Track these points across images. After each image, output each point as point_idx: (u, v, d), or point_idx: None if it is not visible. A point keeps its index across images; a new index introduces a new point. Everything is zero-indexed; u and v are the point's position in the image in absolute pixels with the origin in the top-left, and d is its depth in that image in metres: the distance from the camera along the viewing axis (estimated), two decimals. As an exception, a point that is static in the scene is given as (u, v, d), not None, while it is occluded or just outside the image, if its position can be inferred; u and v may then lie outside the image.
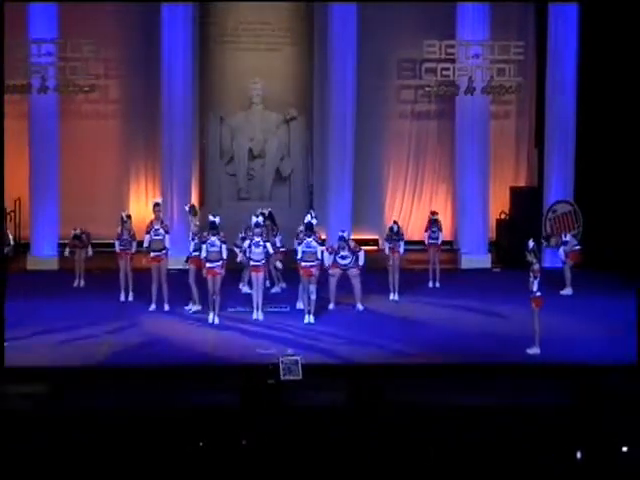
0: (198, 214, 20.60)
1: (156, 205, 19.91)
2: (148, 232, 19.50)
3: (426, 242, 21.37)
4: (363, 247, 23.12)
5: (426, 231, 21.42)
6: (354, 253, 19.15)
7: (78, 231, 21.12)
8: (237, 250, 19.85)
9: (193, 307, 19.37)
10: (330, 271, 19.19)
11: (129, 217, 20.31)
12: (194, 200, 23.27)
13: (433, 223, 21.27)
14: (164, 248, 19.43)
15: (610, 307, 19.20)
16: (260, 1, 24.15)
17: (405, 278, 20.52)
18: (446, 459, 10.19)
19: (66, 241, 21.54)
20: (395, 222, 20.84)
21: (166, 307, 19.41)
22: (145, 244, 19.53)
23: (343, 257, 19.13)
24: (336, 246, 19.18)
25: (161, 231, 19.48)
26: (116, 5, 23.74)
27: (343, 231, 19.56)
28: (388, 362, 16.48)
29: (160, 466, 10.21)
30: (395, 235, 20.32)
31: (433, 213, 21.61)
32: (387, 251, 20.38)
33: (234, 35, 24.79)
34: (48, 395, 14.49)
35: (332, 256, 19.07)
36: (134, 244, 20.04)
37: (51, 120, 22.96)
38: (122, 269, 20.05)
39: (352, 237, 23.06)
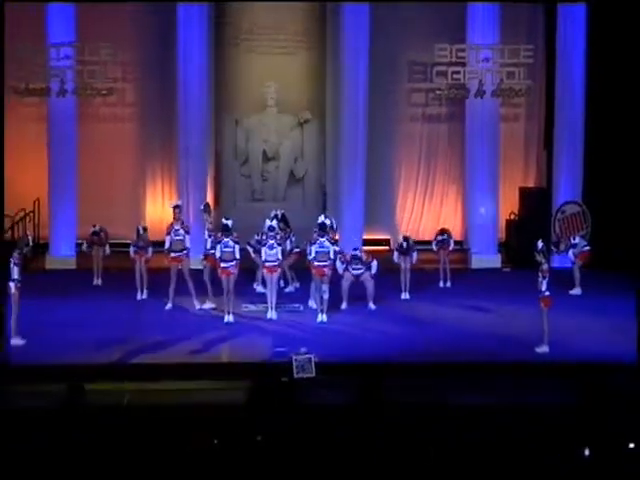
0: (212, 212, 20.68)
1: (176, 207, 19.87)
2: (169, 233, 19.47)
3: (434, 248, 21.31)
4: (375, 246, 23.33)
5: (434, 239, 21.39)
6: (367, 265, 19.13)
7: (97, 228, 21.17)
8: (250, 249, 19.86)
9: (207, 304, 19.37)
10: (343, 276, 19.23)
11: (145, 230, 20.34)
12: (209, 201, 23.29)
13: (440, 240, 21.25)
14: (185, 249, 19.39)
15: (619, 307, 19.07)
16: (274, 1, 24.08)
17: (416, 278, 20.47)
18: (454, 458, 10.15)
19: (82, 241, 21.59)
20: (405, 238, 20.64)
21: (197, 305, 19.37)
22: (166, 245, 19.49)
23: (355, 269, 19.13)
24: (349, 258, 19.12)
25: (181, 232, 19.44)
26: (133, 9, 23.79)
27: (356, 249, 19.45)
28: (399, 361, 16.45)
29: (174, 463, 10.21)
30: (406, 250, 20.21)
31: (442, 232, 21.46)
32: (397, 260, 20.28)
33: (249, 39, 24.81)
34: (65, 394, 14.48)
35: (344, 265, 19.05)
36: (149, 249, 20.08)
37: (69, 123, 23.02)
38: (137, 270, 20.10)
39: (364, 236, 23.27)
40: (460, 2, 23.21)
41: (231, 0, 24.46)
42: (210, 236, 19.40)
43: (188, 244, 19.43)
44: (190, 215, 22.70)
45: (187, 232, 19.51)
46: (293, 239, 20.24)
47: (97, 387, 15.00)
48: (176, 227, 19.43)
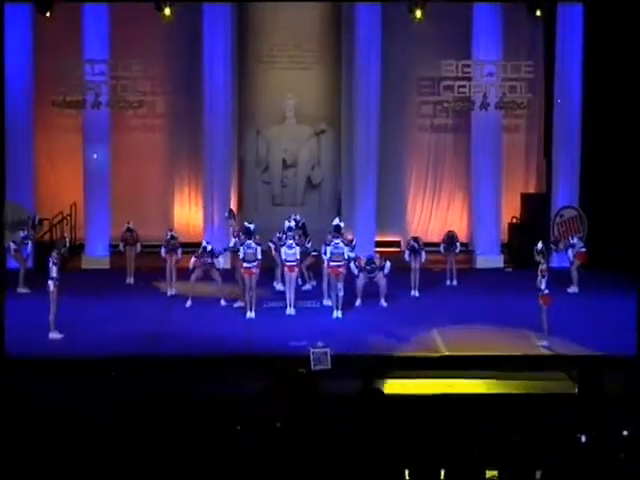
0: (236, 217, 20.73)
1: (204, 249, 19.47)
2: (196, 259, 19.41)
3: (442, 251, 21.28)
4: (387, 247, 23.32)
5: (443, 242, 21.37)
6: (380, 267, 19.11)
7: (131, 225, 21.20)
8: (272, 246, 19.93)
9: (237, 303, 19.31)
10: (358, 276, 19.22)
11: (173, 237, 20.35)
12: (233, 205, 23.40)
13: (448, 245, 21.24)
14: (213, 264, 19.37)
15: (614, 304, 19.08)
16: (294, 1, 23.92)
17: (425, 277, 20.46)
18: (458, 445, 10.12)
19: (117, 242, 21.64)
20: (415, 238, 20.67)
21: (222, 302, 19.36)
22: (190, 266, 19.38)
23: (370, 272, 19.11)
24: (364, 264, 19.07)
25: (208, 260, 19.36)
26: (162, 28, 23.73)
27: (371, 259, 19.34)
28: (408, 354, 16.44)
29: (200, 447, 10.20)
30: (416, 249, 20.18)
31: (450, 237, 21.39)
32: (407, 258, 20.27)
33: (269, 55, 24.84)
34: (96, 384, 14.50)
35: (359, 269, 19.03)
36: (179, 250, 20.14)
37: (104, 133, 23.09)
38: (168, 269, 20.16)
39: (376, 238, 23.27)
40: (467, 2, 23.09)
41: (254, 0, 24.20)
42: (236, 237, 19.47)
43: (216, 265, 19.40)
44: (215, 218, 22.81)
45: (216, 257, 19.47)
46: (309, 245, 20.19)
47: (125, 377, 15.14)
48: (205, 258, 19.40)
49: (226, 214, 20.76)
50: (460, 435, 10.10)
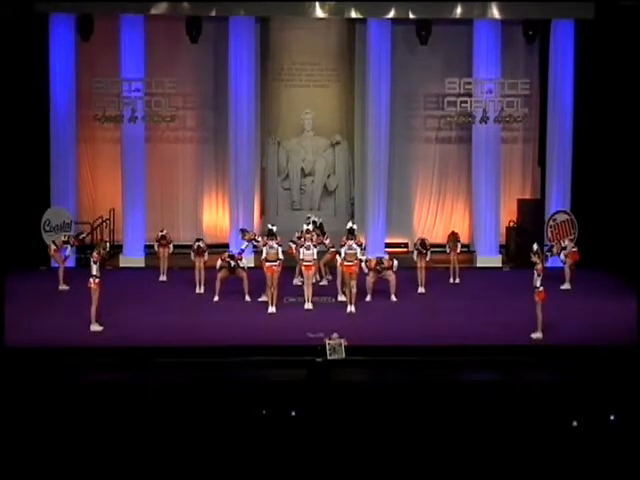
0: (250, 231, 20.70)
1: (224, 261, 19.63)
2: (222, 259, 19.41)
3: (448, 250, 21.35)
4: (395, 248, 23.34)
5: (447, 243, 21.41)
6: (389, 267, 19.13)
7: (164, 232, 21.26)
8: (292, 245, 19.98)
9: (264, 297, 19.38)
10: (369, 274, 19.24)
11: (200, 247, 20.23)
12: (256, 210, 23.52)
13: (453, 239, 21.28)
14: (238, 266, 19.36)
15: (602, 299, 19.07)
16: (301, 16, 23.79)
17: (430, 275, 20.46)
18: (463, 426, 10.15)
19: (151, 243, 21.73)
20: (422, 240, 20.69)
21: (247, 298, 19.36)
22: (217, 266, 19.40)
23: (379, 272, 19.13)
24: (374, 265, 19.08)
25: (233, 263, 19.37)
26: (191, 50, 23.87)
27: (381, 260, 19.38)
28: (416, 344, 16.47)
29: (229, 430, 10.27)
30: (425, 247, 20.22)
31: (453, 237, 21.38)
32: (415, 258, 20.32)
33: (289, 74, 24.94)
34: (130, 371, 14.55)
35: (369, 269, 19.05)
36: (206, 253, 20.16)
37: (139, 144, 23.17)
38: (197, 269, 20.18)
39: (386, 240, 23.31)
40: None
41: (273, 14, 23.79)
42: (250, 241, 19.63)
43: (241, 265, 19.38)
44: (240, 221, 22.86)
45: (239, 259, 19.48)
46: (327, 242, 20.26)
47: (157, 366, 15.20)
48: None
49: (240, 234, 20.72)
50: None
